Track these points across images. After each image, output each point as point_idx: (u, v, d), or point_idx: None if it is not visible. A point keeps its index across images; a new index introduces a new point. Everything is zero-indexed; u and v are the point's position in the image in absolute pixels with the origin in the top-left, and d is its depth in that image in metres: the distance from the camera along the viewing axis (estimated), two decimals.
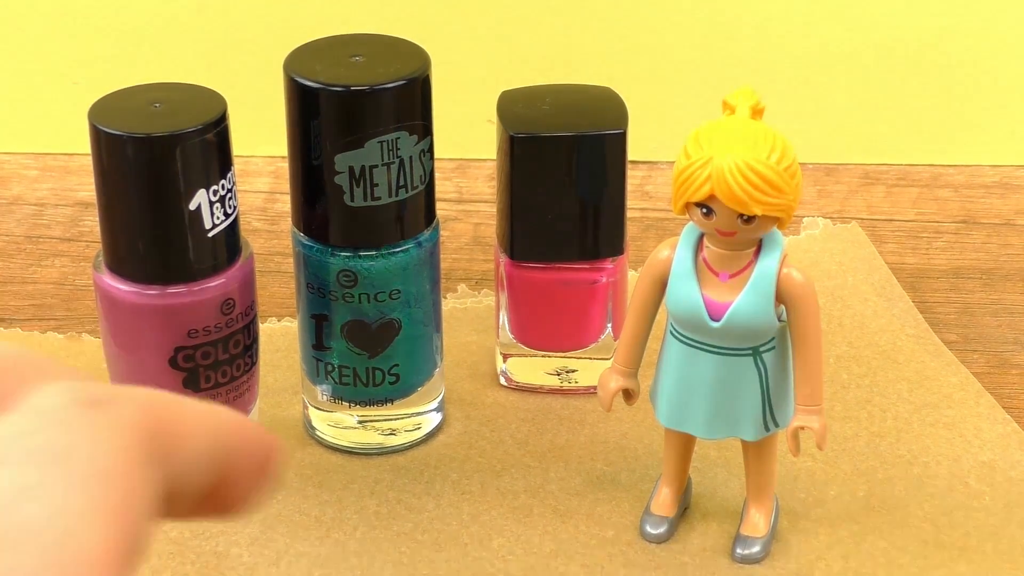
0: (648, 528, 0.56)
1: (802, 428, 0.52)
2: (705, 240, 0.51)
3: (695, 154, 0.47)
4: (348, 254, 0.57)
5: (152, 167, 0.53)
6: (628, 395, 0.54)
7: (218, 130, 0.54)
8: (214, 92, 0.56)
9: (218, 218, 0.55)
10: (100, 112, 0.54)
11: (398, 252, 0.57)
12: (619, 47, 0.81)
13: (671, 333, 0.52)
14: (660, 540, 0.55)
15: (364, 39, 0.57)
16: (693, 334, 0.51)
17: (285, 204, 0.77)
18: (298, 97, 0.55)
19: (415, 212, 0.57)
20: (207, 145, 0.54)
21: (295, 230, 0.58)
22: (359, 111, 0.54)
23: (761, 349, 0.51)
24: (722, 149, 0.47)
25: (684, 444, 0.55)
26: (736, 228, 0.49)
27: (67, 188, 0.79)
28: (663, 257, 0.51)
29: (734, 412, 0.52)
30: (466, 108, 0.77)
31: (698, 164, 0.47)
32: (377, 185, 0.56)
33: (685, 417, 0.53)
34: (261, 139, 0.77)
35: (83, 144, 0.54)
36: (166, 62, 0.81)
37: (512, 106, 0.60)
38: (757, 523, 0.55)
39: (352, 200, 0.56)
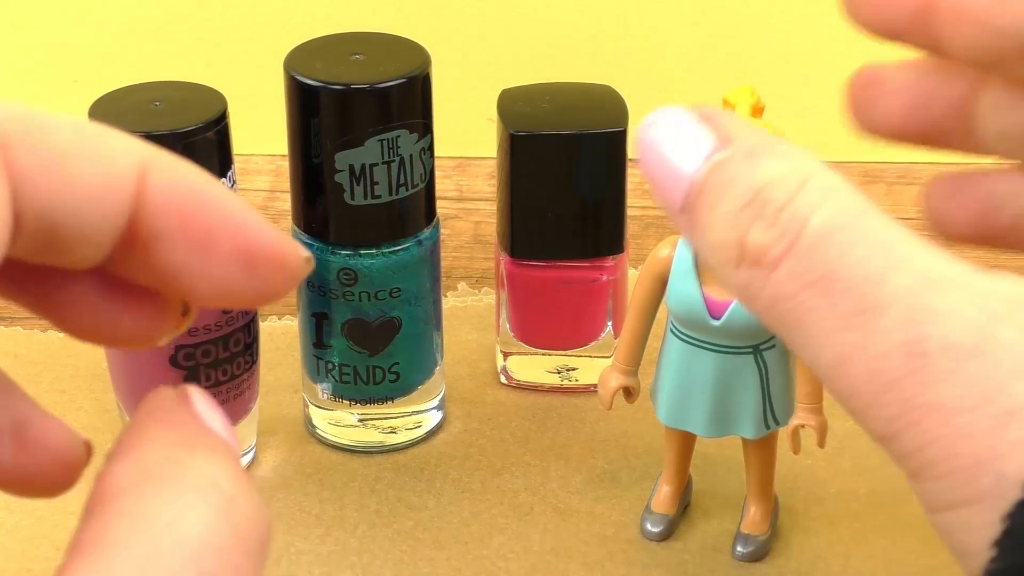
0: (648, 526, 0.56)
1: (802, 426, 0.52)
2: None
3: None
4: (348, 252, 0.57)
5: None
6: (628, 393, 0.54)
7: (218, 128, 0.54)
8: (214, 90, 0.56)
9: None
10: (100, 110, 0.54)
11: (398, 250, 0.57)
12: (619, 45, 0.81)
13: (671, 331, 0.52)
14: (660, 538, 0.55)
15: (364, 37, 0.57)
16: (694, 332, 0.51)
17: (285, 202, 0.77)
18: (298, 95, 0.55)
19: (415, 210, 0.57)
20: (207, 143, 0.54)
21: (295, 228, 0.58)
22: (359, 109, 0.54)
23: (761, 347, 0.51)
24: None
25: (685, 442, 0.55)
26: None
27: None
28: (663, 255, 0.51)
29: (734, 410, 0.52)
30: (466, 106, 0.77)
31: None
32: (377, 183, 0.56)
33: (686, 415, 0.53)
34: (261, 137, 0.77)
35: None
36: (166, 60, 0.81)
37: (512, 104, 0.60)
38: (758, 521, 0.55)
39: (352, 198, 0.56)
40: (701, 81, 0.80)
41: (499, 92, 0.61)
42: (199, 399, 0.27)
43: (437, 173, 0.59)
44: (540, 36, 0.80)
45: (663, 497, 0.56)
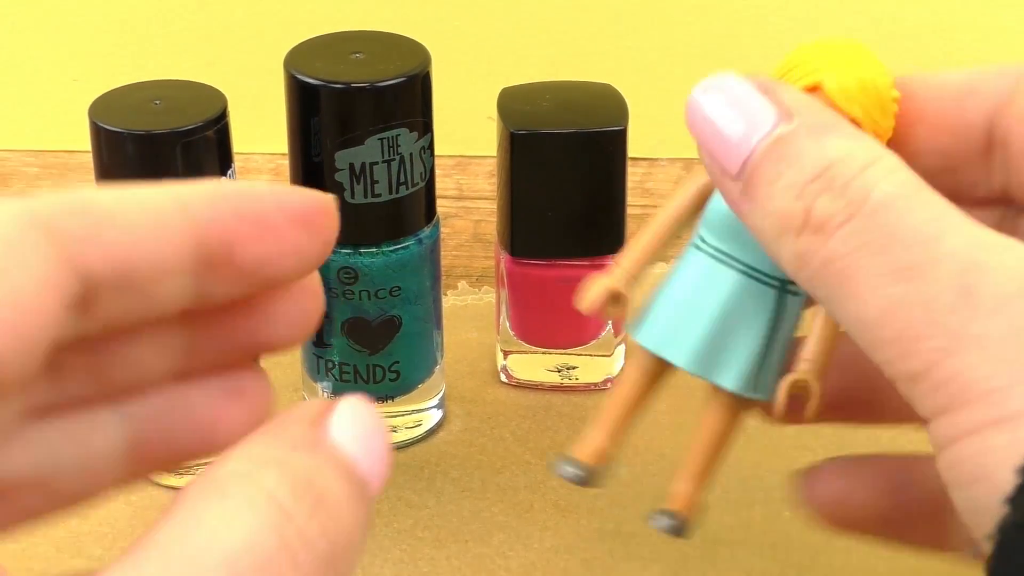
0: (563, 467, 0.44)
1: (799, 381, 0.45)
2: None
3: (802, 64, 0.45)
4: (348, 251, 0.57)
5: (152, 164, 0.53)
6: (616, 299, 0.45)
7: (218, 127, 0.54)
8: (214, 89, 0.56)
9: None
10: (100, 109, 0.54)
11: (398, 249, 0.57)
12: (619, 44, 0.81)
13: (695, 246, 0.46)
14: (575, 483, 0.44)
15: (364, 36, 0.57)
16: (725, 245, 0.45)
17: None
18: (298, 94, 0.55)
19: (415, 209, 0.57)
20: (207, 142, 0.54)
21: None
22: (359, 108, 0.55)
23: (789, 287, 0.45)
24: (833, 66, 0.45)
25: (647, 381, 0.46)
26: None
27: (68, 186, 0.79)
28: None
29: (728, 348, 0.45)
30: (466, 105, 0.77)
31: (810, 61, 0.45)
32: (377, 182, 0.56)
33: (674, 338, 0.45)
34: (261, 136, 0.77)
35: (83, 141, 0.55)
36: (166, 59, 0.81)
37: (512, 103, 0.60)
38: (682, 498, 0.45)
39: (352, 197, 0.56)
40: (701, 78, 0.80)
41: (499, 91, 0.61)
42: (342, 413, 0.30)
43: (437, 172, 0.59)
44: (540, 35, 0.80)
45: (588, 443, 0.44)
